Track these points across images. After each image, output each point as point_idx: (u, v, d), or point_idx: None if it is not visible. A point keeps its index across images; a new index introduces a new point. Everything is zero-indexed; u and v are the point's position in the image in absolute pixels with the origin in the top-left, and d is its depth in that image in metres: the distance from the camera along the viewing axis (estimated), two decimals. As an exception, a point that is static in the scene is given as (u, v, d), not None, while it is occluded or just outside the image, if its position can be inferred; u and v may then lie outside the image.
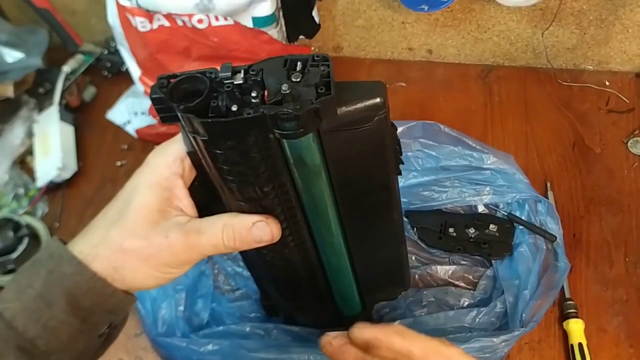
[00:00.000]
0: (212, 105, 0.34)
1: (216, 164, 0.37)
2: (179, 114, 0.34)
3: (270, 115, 0.33)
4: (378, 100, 0.36)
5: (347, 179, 0.41)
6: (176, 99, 0.34)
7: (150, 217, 0.38)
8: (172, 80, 0.35)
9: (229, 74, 0.35)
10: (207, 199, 0.41)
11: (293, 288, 0.51)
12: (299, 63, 0.35)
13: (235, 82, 0.35)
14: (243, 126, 0.34)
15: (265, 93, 0.35)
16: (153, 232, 0.38)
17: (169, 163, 0.39)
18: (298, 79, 0.34)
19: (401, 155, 0.43)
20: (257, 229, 0.39)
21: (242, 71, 0.35)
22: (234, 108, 0.34)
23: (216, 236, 0.39)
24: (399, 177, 0.44)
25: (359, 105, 0.36)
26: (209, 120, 0.33)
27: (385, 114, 0.37)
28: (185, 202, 0.40)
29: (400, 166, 0.43)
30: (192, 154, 0.39)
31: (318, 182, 0.40)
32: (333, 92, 0.34)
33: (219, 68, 0.35)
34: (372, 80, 0.37)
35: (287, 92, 0.33)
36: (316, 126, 0.35)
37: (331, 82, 0.34)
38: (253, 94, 0.34)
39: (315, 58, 0.35)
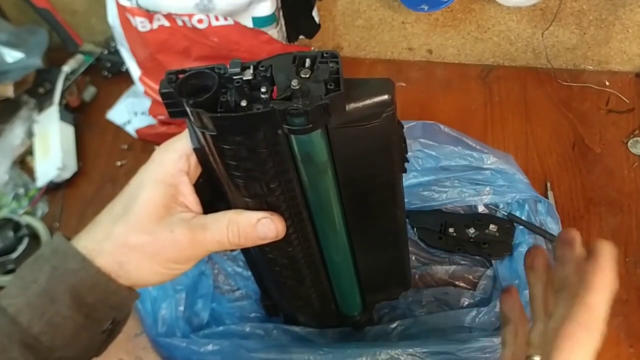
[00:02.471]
0: (222, 101, 0.34)
1: (224, 159, 0.37)
2: (187, 108, 0.34)
3: (280, 111, 0.33)
4: (386, 97, 0.36)
5: (353, 175, 0.41)
6: (185, 94, 0.34)
7: (156, 212, 0.38)
8: (181, 76, 0.35)
9: (238, 69, 0.35)
10: (212, 196, 0.41)
11: (295, 287, 0.51)
12: (307, 60, 0.35)
13: (244, 78, 0.35)
14: (252, 121, 0.34)
15: (274, 89, 0.35)
16: (158, 227, 0.38)
17: (174, 160, 0.39)
18: (307, 75, 0.34)
19: (407, 153, 0.43)
20: (261, 226, 0.39)
21: (252, 67, 0.35)
22: (243, 103, 0.34)
23: (221, 232, 0.39)
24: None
25: (367, 102, 0.36)
26: (219, 115, 0.33)
27: (392, 111, 0.37)
28: (191, 199, 0.40)
29: (406, 164, 0.43)
30: (198, 151, 0.40)
31: (324, 179, 0.41)
32: (342, 89, 0.34)
33: (227, 64, 0.36)
34: (381, 78, 0.37)
35: (297, 87, 0.33)
36: (325, 122, 0.35)
37: (340, 78, 0.34)
38: (262, 90, 0.34)
39: (325, 55, 0.35)
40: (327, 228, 0.46)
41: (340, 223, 0.46)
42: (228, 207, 0.41)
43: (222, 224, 0.39)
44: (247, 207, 0.40)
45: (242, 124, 0.34)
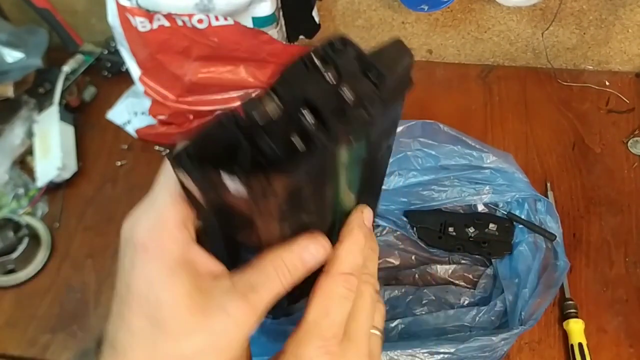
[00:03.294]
0: (267, 153, 0.27)
1: (267, 214, 0.29)
2: (239, 179, 0.26)
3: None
4: (409, 58, 0.32)
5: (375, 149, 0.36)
6: (212, 164, 0.26)
7: (194, 304, 0.30)
8: (188, 143, 0.27)
9: (263, 109, 0.27)
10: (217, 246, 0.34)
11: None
12: (317, 60, 0.30)
13: (274, 118, 0.27)
14: (315, 162, 0.28)
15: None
16: (209, 318, 0.30)
17: (176, 237, 0.31)
18: (335, 80, 0.29)
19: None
20: (308, 253, 0.33)
21: (273, 98, 0.28)
22: (301, 148, 0.27)
23: (274, 281, 0.32)
24: (398, 176, 0.42)
25: (399, 71, 0.31)
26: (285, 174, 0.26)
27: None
28: (211, 265, 0.32)
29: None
30: (203, 212, 0.32)
31: (357, 170, 0.35)
32: (386, 72, 0.29)
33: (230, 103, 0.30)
34: (390, 40, 0.32)
35: (353, 100, 0.28)
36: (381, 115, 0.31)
37: (373, 62, 0.30)
38: (310, 120, 0.27)
39: (337, 45, 0.30)
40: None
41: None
42: (237, 248, 0.34)
43: (270, 272, 0.32)
44: (273, 239, 0.33)
45: (304, 170, 0.27)
